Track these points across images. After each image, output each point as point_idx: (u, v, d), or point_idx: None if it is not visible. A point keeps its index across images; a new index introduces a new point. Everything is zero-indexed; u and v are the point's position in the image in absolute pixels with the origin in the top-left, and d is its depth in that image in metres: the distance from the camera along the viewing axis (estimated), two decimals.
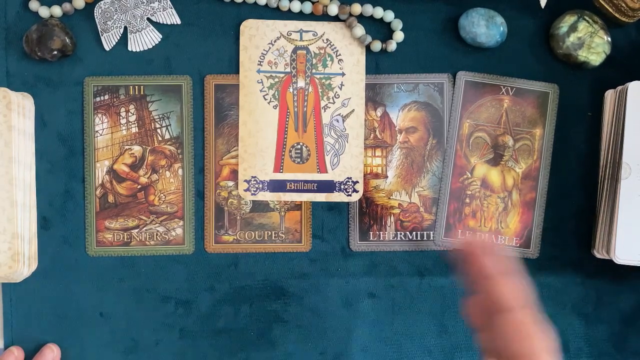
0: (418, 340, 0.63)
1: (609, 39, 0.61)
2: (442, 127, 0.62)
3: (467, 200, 0.62)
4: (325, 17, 0.62)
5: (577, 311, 0.63)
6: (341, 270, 0.63)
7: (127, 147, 0.61)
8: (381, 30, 0.62)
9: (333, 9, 0.61)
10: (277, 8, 0.61)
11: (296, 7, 0.61)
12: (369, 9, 0.61)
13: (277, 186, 0.62)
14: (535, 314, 0.44)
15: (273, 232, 0.62)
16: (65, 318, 0.61)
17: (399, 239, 0.62)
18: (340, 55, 0.62)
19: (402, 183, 0.63)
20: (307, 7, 0.61)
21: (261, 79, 0.61)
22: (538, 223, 0.63)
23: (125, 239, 0.61)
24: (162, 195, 0.62)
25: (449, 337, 0.63)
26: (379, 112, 0.62)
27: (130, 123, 0.61)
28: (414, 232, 0.63)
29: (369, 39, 0.61)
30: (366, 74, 0.62)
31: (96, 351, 0.61)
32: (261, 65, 0.61)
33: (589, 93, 0.63)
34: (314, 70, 0.62)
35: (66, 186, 0.61)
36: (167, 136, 0.61)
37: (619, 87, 0.60)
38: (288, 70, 0.62)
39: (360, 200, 0.62)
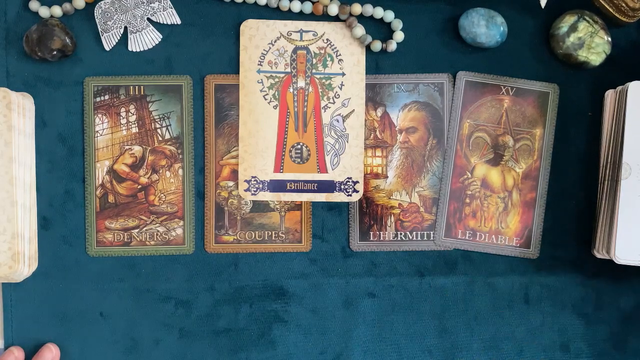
0: (418, 340, 0.63)
1: (609, 39, 0.61)
2: (442, 127, 0.62)
3: (467, 200, 0.62)
4: (325, 17, 0.62)
5: (577, 311, 0.63)
6: (341, 270, 0.63)
7: (127, 147, 0.61)
8: (381, 30, 0.62)
9: (333, 9, 0.61)
10: (277, 8, 0.61)
11: (296, 7, 0.61)
12: (369, 9, 0.61)
13: (277, 186, 0.62)
14: None
15: (273, 232, 0.62)
16: (65, 318, 0.61)
17: (399, 239, 0.62)
18: (340, 55, 0.62)
19: (402, 183, 0.63)
20: (307, 7, 0.61)
21: (261, 79, 0.61)
22: (538, 223, 0.63)
23: (125, 239, 0.61)
24: (162, 195, 0.62)
25: (449, 337, 0.63)
26: (379, 112, 0.62)
27: (130, 123, 0.61)
28: (414, 232, 0.63)
29: (369, 39, 0.61)
30: (366, 74, 0.62)
31: (96, 351, 0.61)
32: (261, 65, 0.61)
33: (589, 93, 0.63)
34: (314, 70, 0.62)
35: (66, 186, 0.61)
36: (167, 136, 0.61)
37: (619, 87, 0.60)
38: (288, 70, 0.62)
39: (360, 200, 0.62)
